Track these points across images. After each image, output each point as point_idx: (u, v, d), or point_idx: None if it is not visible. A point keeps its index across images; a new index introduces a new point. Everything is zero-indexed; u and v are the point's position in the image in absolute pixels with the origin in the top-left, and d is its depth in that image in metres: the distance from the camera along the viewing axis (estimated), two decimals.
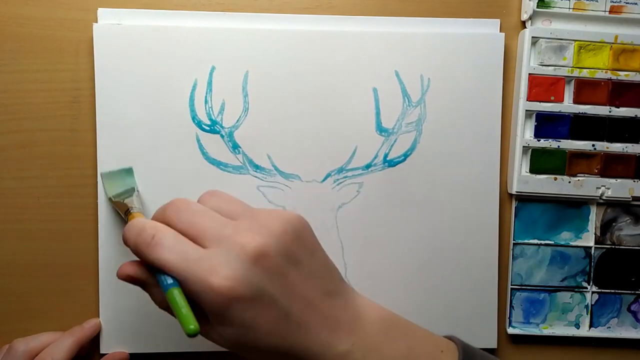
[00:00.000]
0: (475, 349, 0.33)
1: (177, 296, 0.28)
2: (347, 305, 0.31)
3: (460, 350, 0.32)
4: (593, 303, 0.45)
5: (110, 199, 0.40)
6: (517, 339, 0.45)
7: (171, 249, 0.28)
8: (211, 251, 0.28)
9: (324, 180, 0.43)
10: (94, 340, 0.42)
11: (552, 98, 0.43)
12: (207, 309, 0.28)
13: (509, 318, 0.44)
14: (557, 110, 0.43)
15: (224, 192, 0.33)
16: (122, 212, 0.38)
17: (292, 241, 0.29)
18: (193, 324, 0.27)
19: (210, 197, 0.32)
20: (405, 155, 0.43)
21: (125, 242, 0.30)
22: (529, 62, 0.43)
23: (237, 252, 0.27)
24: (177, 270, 0.28)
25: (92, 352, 0.43)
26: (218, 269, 0.27)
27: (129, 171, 0.41)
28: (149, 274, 0.30)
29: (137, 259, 0.31)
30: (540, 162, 0.43)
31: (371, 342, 0.30)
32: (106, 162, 0.41)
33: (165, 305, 0.30)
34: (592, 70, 0.43)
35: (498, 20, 0.43)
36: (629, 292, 0.45)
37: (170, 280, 0.28)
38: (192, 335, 0.27)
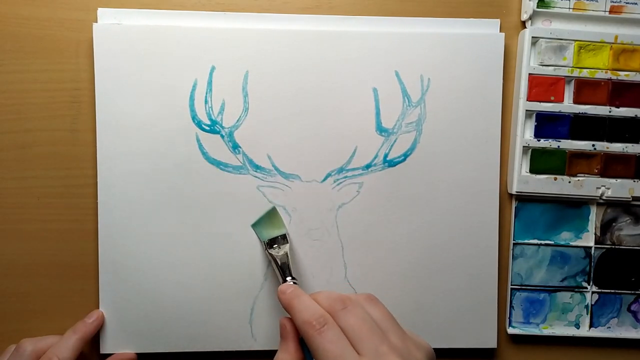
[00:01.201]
0: None
1: None
2: None
3: None
4: (593, 303, 0.45)
5: (266, 250, 0.41)
6: (517, 339, 0.45)
7: (333, 343, 0.31)
8: None
9: (324, 180, 0.43)
10: (95, 338, 0.42)
11: (552, 98, 0.43)
12: None
13: (509, 318, 0.44)
14: (557, 110, 0.43)
15: (381, 303, 0.36)
16: (278, 269, 0.40)
17: None
18: None
19: (369, 303, 0.35)
20: (405, 155, 0.43)
21: (293, 314, 0.34)
22: (529, 62, 0.43)
23: None
24: None
25: (92, 352, 0.43)
26: None
27: (273, 213, 0.42)
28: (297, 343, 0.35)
29: None
30: (540, 162, 0.43)
31: None
32: (106, 162, 0.41)
33: None
34: (592, 70, 0.43)
35: (498, 20, 0.43)
36: (629, 292, 0.45)
37: None
38: None
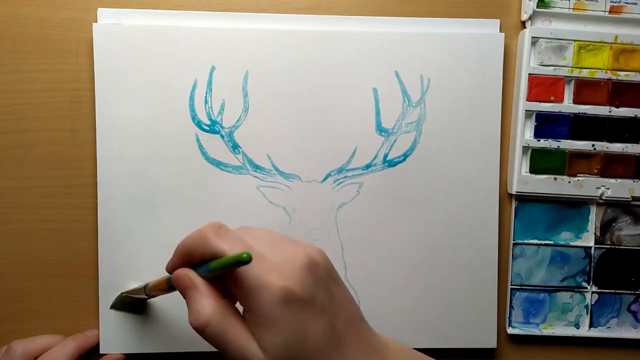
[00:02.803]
0: None
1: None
2: (374, 333, 0.31)
3: None
4: (593, 303, 0.45)
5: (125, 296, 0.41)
6: (517, 339, 0.45)
7: (233, 243, 0.28)
8: (269, 255, 0.28)
9: (324, 180, 0.43)
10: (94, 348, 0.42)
11: (552, 98, 0.43)
12: (262, 308, 0.27)
13: (509, 318, 0.44)
14: (557, 110, 0.43)
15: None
16: (147, 290, 0.37)
17: (327, 268, 0.30)
18: (245, 252, 0.26)
19: (245, 229, 0.32)
20: (405, 155, 0.43)
21: (189, 247, 0.30)
22: (529, 62, 0.43)
23: (291, 257, 0.28)
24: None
25: (91, 355, 0.43)
26: (277, 268, 0.27)
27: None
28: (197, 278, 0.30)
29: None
30: (540, 162, 0.43)
31: None
32: (106, 162, 0.41)
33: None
34: (592, 70, 0.43)
35: (498, 20, 0.43)
36: (629, 292, 0.45)
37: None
38: (248, 261, 0.25)
